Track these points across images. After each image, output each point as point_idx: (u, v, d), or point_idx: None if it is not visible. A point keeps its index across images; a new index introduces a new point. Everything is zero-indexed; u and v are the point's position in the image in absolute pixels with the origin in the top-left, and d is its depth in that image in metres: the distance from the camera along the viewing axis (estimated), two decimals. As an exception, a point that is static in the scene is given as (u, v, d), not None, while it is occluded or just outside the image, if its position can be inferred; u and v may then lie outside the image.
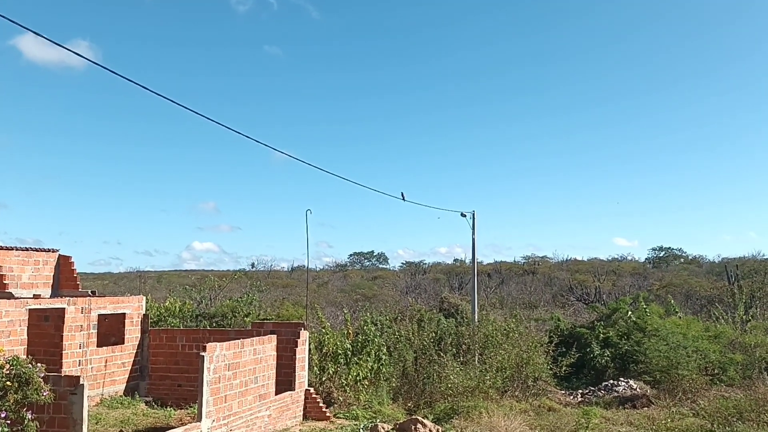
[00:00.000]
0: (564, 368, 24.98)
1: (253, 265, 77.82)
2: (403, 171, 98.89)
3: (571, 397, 25.86)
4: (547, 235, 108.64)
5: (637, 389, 25.26)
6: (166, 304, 31.23)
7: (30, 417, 9.56)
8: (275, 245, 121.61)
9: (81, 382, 10.59)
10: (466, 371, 21.81)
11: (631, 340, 28.29)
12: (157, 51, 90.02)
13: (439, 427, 16.10)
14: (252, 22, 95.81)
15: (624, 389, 25.46)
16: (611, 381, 26.76)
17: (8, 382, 9.39)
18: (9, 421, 9.39)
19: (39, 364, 10.10)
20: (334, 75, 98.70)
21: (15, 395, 9.42)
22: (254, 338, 16.26)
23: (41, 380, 9.82)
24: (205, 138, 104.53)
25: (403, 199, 25.46)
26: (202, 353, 13.90)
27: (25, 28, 8.68)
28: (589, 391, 26.35)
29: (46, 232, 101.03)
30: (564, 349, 26.39)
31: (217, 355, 14.33)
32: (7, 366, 9.62)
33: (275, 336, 17.34)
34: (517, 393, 22.80)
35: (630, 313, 31.10)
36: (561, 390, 26.61)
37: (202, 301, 37.88)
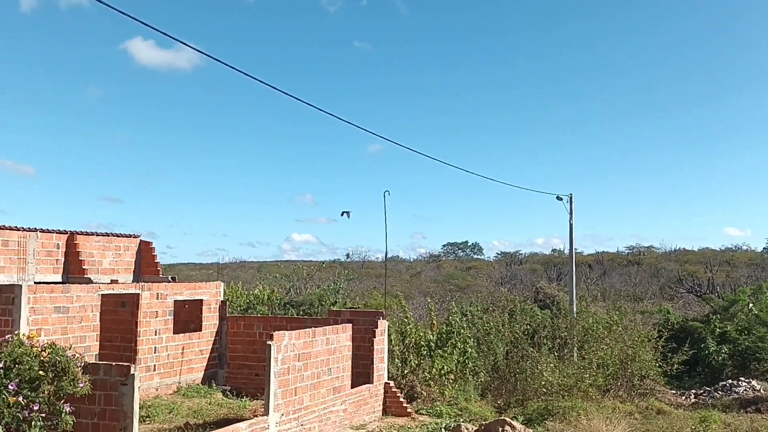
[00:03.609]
0: (675, 366, 22.46)
1: (348, 255, 77.77)
2: (497, 152, 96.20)
3: (683, 398, 23.46)
4: (652, 225, 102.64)
5: (761, 391, 22.46)
6: (255, 292, 31.12)
7: (67, 410, 8.80)
8: (370, 236, 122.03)
9: (132, 372, 9.79)
10: (562, 367, 19.90)
11: (753, 336, 25.33)
12: (252, 51, 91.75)
13: (530, 429, 14.44)
14: (342, 19, 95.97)
15: (745, 390, 22.71)
16: (729, 381, 24.10)
17: (41, 372, 8.66)
18: (43, 415, 8.67)
19: (78, 353, 9.34)
20: (423, 67, 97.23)
21: (49, 386, 8.67)
22: (327, 327, 15.20)
23: (78, 370, 9.04)
24: (302, 132, 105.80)
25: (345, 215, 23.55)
26: (269, 342, 12.95)
27: (155, 29, 8.78)
28: (704, 392, 23.84)
29: (158, 225, 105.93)
30: (675, 345, 23.87)
31: (285, 345, 13.35)
32: (45, 353, 8.90)
33: (351, 325, 16.21)
34: (620, 393, 20.61)
35: (751, 305, 27.87)
36: (671, 390, 24.13)
37: (291, 290, 37.72)
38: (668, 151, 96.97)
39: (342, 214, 23.54)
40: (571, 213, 27.53)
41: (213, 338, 18.95)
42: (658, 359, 22.24)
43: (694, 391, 24.32)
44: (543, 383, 19.06)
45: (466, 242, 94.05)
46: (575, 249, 28.90)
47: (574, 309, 25.51)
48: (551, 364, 19.75)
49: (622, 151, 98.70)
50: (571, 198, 27.63)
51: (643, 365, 21.42)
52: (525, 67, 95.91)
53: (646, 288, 53.30)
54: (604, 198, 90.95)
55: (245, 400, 16.86)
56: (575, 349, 22.46)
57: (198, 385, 18.09)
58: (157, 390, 16.88)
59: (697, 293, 43.41)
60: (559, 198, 27.52)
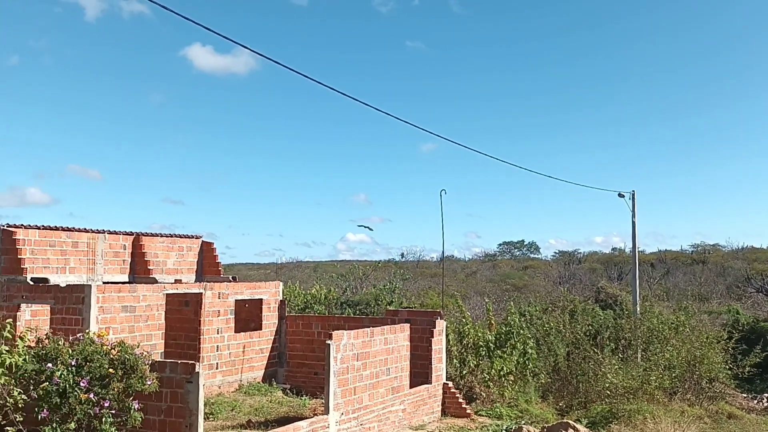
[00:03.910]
0: (746, 368, 21.49)
1: (402, 255, 77.68)
2: (555, 150, 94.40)
3: (755, 402, 22.53)
4: (717, 222, 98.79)
5: (840, 396, 21.30)
6: (312, 291, 31.49)
7: (136, 407, 9.04)
8: (424, 236, 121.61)
9: (197, 370, 9.98)
10: (626, 369, 19.31)
11: (831, 338, 23.97)
12: (305, 53, 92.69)
13: (594, 433, 14.08)
14: (394, 19, 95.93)
15: (823, 395, 21.59)
16: (806, 385, 22.92)
17: (111, 370, 8.92)
18: (113, 411, 8.92)
19: (145, 352, 9.58)
20: (477, 66, 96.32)
21: (119, 384, 8.93)
22: (385, 327, 15.17)
23: (146, 368, 9.27)
24: (354, 132, 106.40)
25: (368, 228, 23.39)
26: (328, 341, 13.02)
27: (217, 33, 9.19)
28: (777, 396, 22.74)
29: (218, 226, 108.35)
30: (745, 347, 22.84)
31: (344, 344, 13.39)
32: (115, 351, 9.17)
33: (408, 325, 16.14)
34: (688, 396, 19.89)
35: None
36: (742, 393, 23.17)
37: (347, 289, 38.01)
38: (733, 145, 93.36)
39: (366, 228, 23.72)
40: (633, 210, 26.77)
41: (272, 337, 19.20)
42: (728, 361, 21.37)
43: (766, 395, 23.29)
44: (606, 385, 18.54)
45: (523, 241, 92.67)
46: (637, 247, 28.10)
47: (638, 309, 24.76)
48: (615, 366, 19.19)
49: (685, 147, 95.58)
50: (633, 195, 26.87)
51: (712, 367, 20.60)
52: (582, 65, 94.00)
53: (712, 287, 51.42)
54: (666, 195, 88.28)
55: (305, 399, 17.01)
56: (639, 350, 21.78)
57: (259, 383, 18.36)
58: (219, 388, 17.21)
59: (767, 293, 41.62)
60: (621, 195, 26.79)
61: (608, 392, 18.48)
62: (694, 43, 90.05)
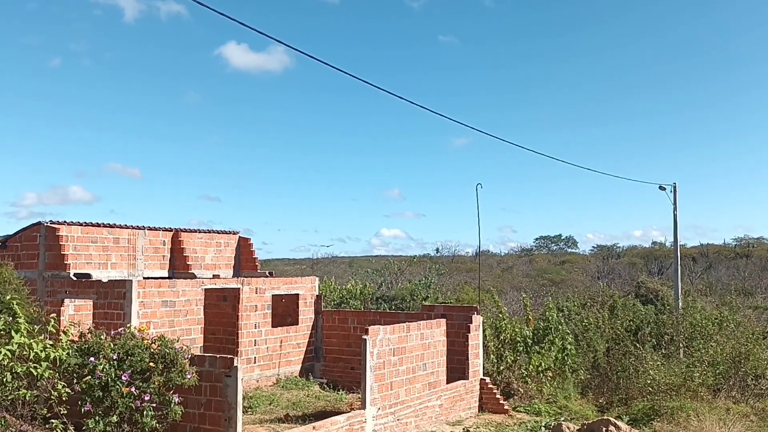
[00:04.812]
0: (795, 365, 20.82)
1: (437, 250, 77.48)
2: (591, 143, 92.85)
3: (804, 401, 21.62)
4: (761, 215, 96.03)
5: None
6: (348, 286, 31.61)
7: (176, 400, 9.14)
8: (459, 231, 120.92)
9: (235, 364, 10.05)
10: (669, 365, 18.88)
11: None
12: (338, 50, 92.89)
13: (636, 430, 13.77)
14: (426, 14, 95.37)
15: None
16: None
17: (152, 364, 9.04)
18: (154, 405, 9.03)
19: (185, 346, 9.67)
20: (511, 60, 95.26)
21: (159, 377, 9.04)
22: (421, 322, 15.12)
23: (186, 362, 9.37)
24: (387, 127, 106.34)
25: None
26: (364, 336, 13.02)
27: (253, 29, 9.13)
28: (828, 395, 21.86)
29: (254, 222, 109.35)
30: (794, 343, 22.11)
31: (380, 339, 13.37)
32: (155, 345, 9.29)
33: (444, 320, 16.05)
34: (733, 393, 19.33)
35: None
36: (790, 391, 22.37)
37: (382, 285, 38.00)
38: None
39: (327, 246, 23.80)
40: (675, 203, 26.16)
41: (309, 332, 19.30)
42: (776, 358, 20.72)
43: (816, 393, 22.47)
44: (648, 382, 18.15)
45: (560, 235, 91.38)
46: (679, 241, 27.44)
47: (680, 305, 24.21)
48: (657, 362, 18.77)
49: (726, 137, 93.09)
50: (674, 187, 26.25)
51: (759, 364, 19.98)
52: (620, 55, 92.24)
53: (757, 282, 50.01)
54: (706, 187, 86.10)
55: (342, 393, 17.06)
56: (682, 346, 21.29)
57: (296, 377, 18.50)
58: (257, 381, 17.36)
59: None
60: (662, 188, 26.18)
61: (650, 389, 18.08)
62: (735, 30, 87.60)
